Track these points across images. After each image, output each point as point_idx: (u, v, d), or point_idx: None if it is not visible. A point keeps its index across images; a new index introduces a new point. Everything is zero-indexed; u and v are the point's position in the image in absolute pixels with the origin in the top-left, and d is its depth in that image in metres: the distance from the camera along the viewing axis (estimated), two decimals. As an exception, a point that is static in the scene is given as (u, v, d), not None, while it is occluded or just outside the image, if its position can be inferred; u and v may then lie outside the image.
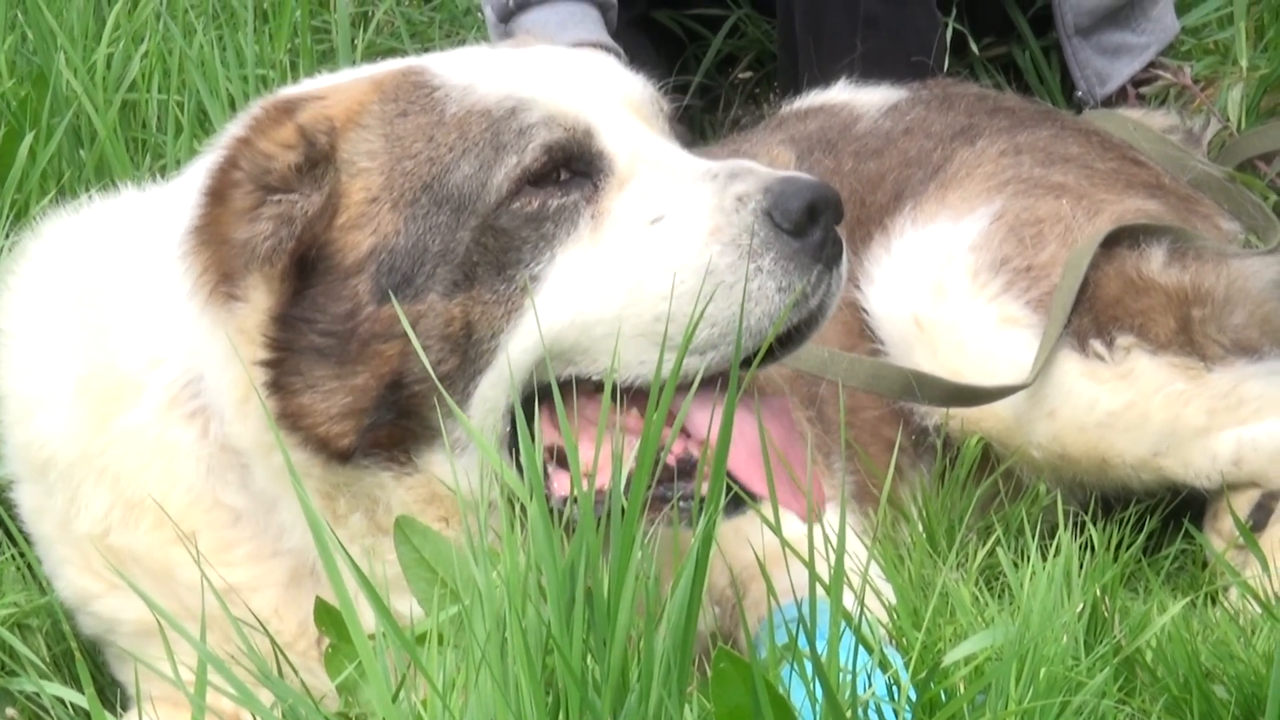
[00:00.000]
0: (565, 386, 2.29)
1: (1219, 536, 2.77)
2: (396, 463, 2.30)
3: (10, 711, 2.47)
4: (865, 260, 2.93)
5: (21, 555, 2.66)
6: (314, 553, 2.25)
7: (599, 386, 2.26)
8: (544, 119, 2.32)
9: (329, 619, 2.18)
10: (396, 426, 2.29)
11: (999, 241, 2.83)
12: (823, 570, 2.04)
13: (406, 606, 2.24)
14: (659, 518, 2.18)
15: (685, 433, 2.29)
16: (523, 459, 1.99)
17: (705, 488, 2.02)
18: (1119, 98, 3.79)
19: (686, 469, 2.26)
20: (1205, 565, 2.71)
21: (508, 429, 2.28)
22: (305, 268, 2.28)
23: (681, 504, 2.16)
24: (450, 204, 2.30)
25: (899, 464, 2.81)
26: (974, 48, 3.74)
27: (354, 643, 2.04)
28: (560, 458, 2.25)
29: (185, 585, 2.30)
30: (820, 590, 2.04)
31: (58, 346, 2.41)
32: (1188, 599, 2.46)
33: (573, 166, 2.33)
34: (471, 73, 2.40)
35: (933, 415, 2.85)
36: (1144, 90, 3.86)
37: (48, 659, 2.53)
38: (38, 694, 2.42)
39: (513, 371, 2.27)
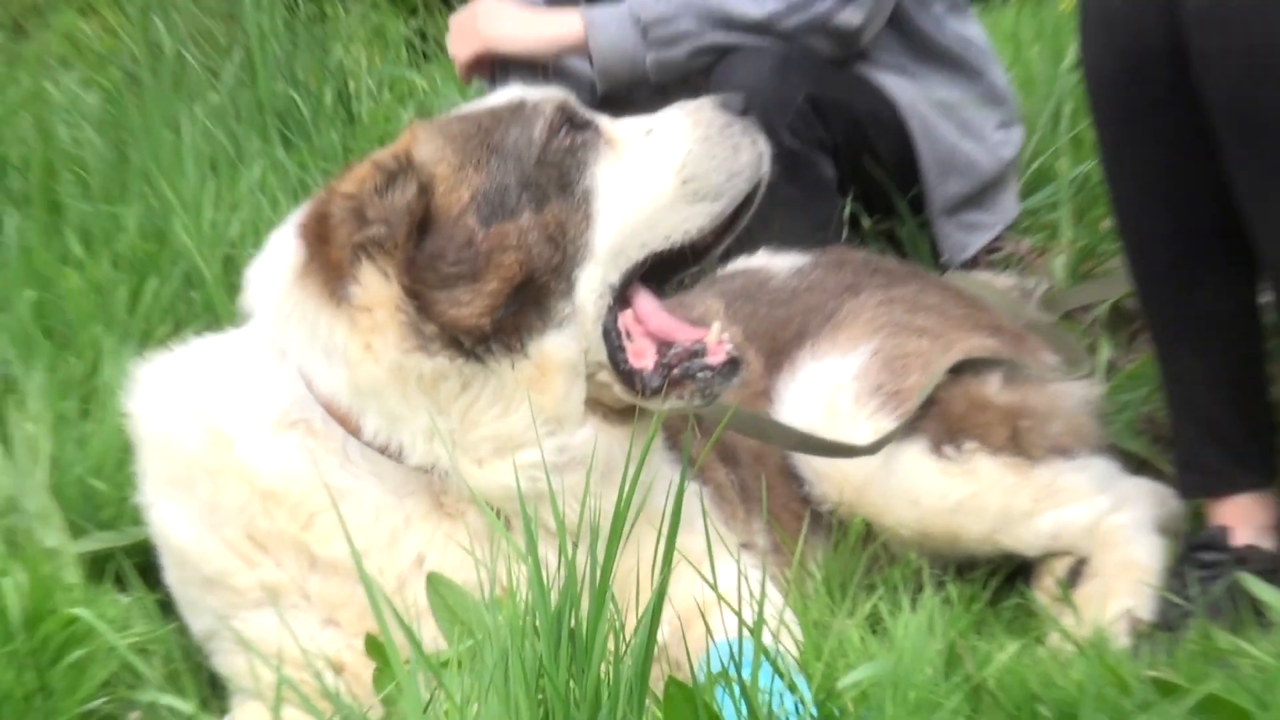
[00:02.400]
0: (642, 271, 2.47)
1: (1044, 593, 2.78)
2: (512, 350, 2.33)
3: (133, 715, 2.48)
4: (777, 384, 2.97)
5: (144, 597, 2.62)
6: (436, 470, 2.36)
7: (665, 260, 2.48)
8: (544, 99, 2.48)
9: (376, 649, 2.16)
10: (519, 315, 2.34)
11: (875, 372, 2.87)
12: (748, 615, 2.07)
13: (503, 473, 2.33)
14: (685, 391, 2.40)
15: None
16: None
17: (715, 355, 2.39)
18: (973, 263, 3.82)
19: (698, 352, 2.43)
20: (1033, 614, 2.72)
21: (606, 305, 2.39)
22: (422, 229, 2.35)
23: (700, 375, 2.41)
24: (512, 156, 2.40)
25: (794, 529, 2.87)
26: (865, 223, 3.77)
27: (394, 668, 2.07)
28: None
29: (318, 557, 2.37)
30: (745, 631, 2.08)
31: (183, 401, 2.49)
32: (1022, 641, 2.48)
33: (575, 123, 2.46)
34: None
35: (827, 502, 2.90)
36: (992, 257, 3.89)
37: (163, 676, 2.51)
38: (153, 704, 2.43)
39: (607, 249, 2.40)
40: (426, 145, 2.42)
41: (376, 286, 2.32)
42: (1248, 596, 2.44)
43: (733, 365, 2.41)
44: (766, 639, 2.07)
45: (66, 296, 3.71)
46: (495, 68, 3.82)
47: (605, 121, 2.51)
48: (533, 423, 2.31)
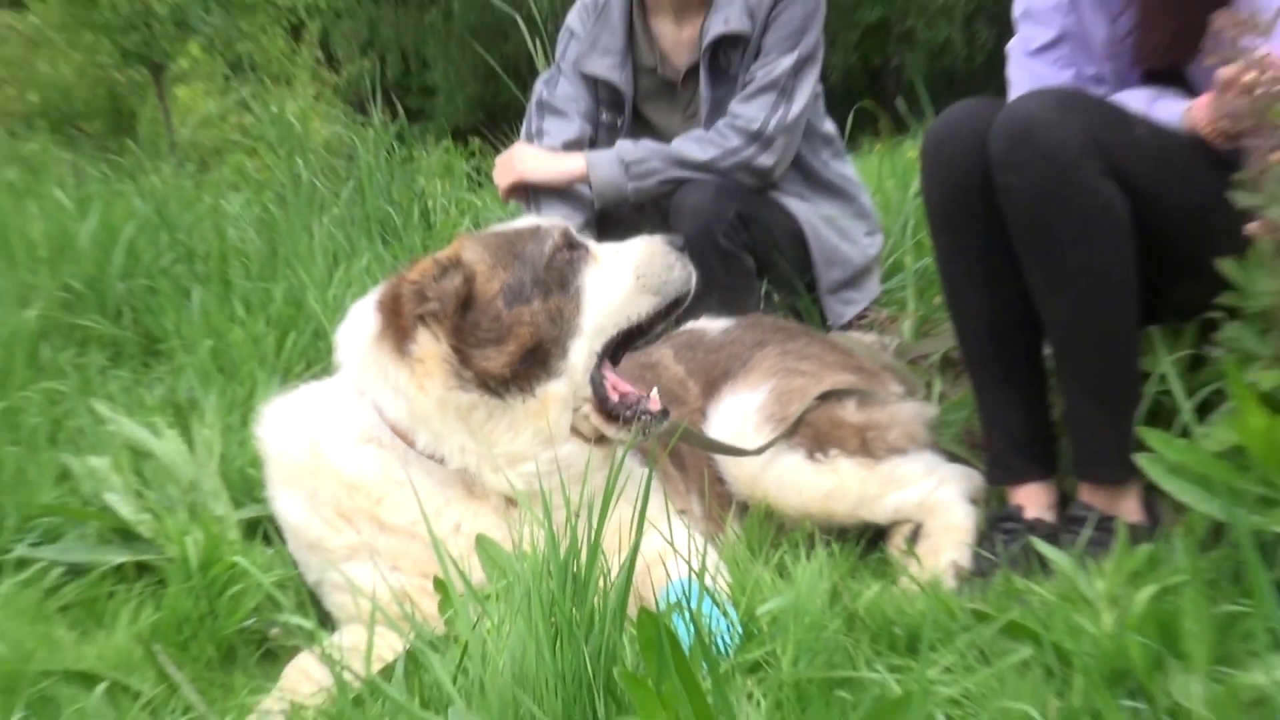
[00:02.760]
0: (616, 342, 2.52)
1: (895, 549, 2.76)
2: (524, 392, 2.37)
3: (274, 630, 2.47)
4: (709, 408, 2.98)
5: (282, 549, 2.62)
6: (463, 472, 2.40)
7: (629, 333, 2.53)
8: (553, 226, 2.52)
9: (440, 586, 2.14)
10: (529, 368, 2.37)
11: (770, 404, 2.87)
12: (693, 564, 2.09)
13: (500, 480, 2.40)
14: (628, 429, 2.43)
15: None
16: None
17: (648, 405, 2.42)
18: (849, 326, 3.82)
19: (636, 402, 2.46)
20: (889, 564, 2.70)
21: (594, 363, 2.44)
22: (464, 306, 2.38)
23: (643, 416, 2.45)
24: (529, 262, 2.42)
25: (726, 511, 2.86)
26: (775, 298, 3.76)
27: (453, 599, 2.04)
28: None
29: (386, 524, 2.38)
30: (692, 575, 2.06)
31: (293, 427, 2.53)
32: (882, 582, 2.45)
33: (571, 243, 2.48)
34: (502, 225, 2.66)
35: (740, 495, 2.92)
36: (862, 322, 3.89)
37: (294, 605, 2.49)
38: (286, 624, 2.42)
39: (591, 328, 2.44)
40: (470, 250, 2.45)
41: (429, 345, 2.36)
42: (1036, 554, 2.42)
43: (664, 414, 2.47)
44: (706, 580, 2.07)
45: (233, 344, 3.71)
46: (526, 192, 3.80)
47: (591, 243, 2.54)
48: (532, 443, 2.38)
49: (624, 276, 2.49)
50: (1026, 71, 2.95)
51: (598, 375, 2.44)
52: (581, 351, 2.41)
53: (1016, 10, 2.98)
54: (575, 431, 2.45)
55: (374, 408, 2.41)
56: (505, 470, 2.37)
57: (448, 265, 2.41)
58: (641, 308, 2.49)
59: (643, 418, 2.44)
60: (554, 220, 2.57)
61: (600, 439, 2.49)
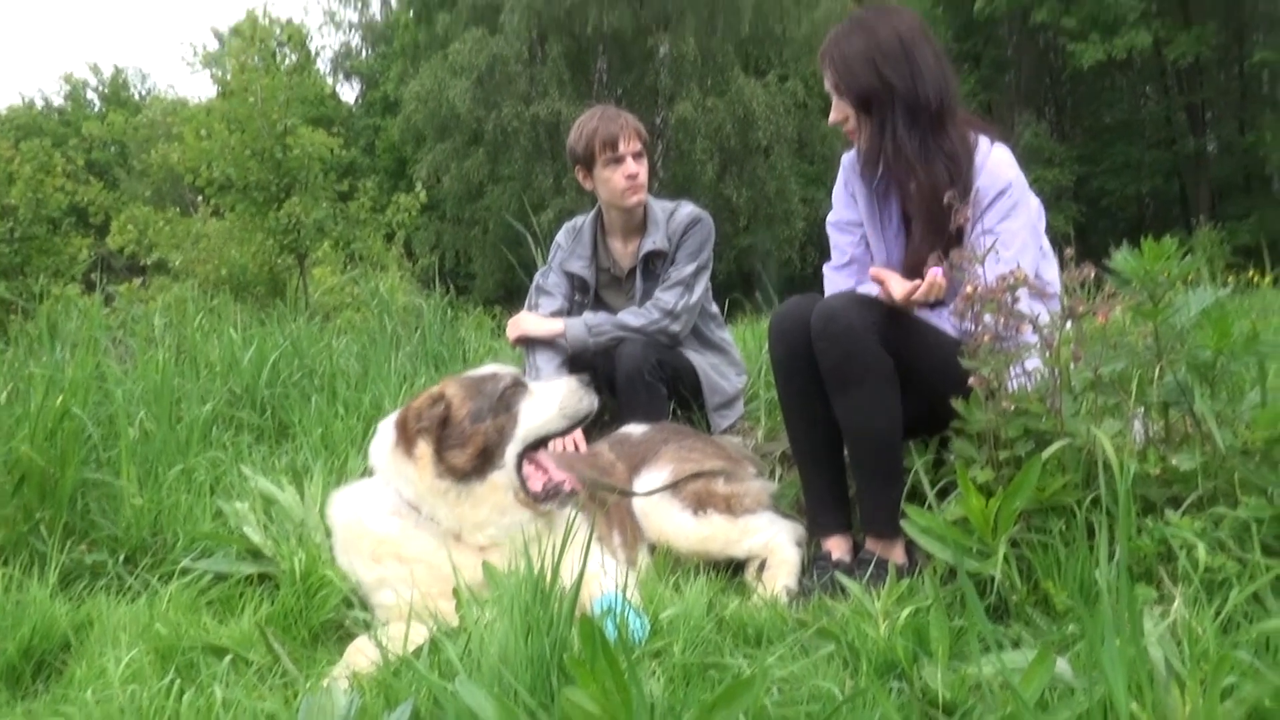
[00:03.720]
0: (537, 444, 2.38)
1: (749, 576, 2.67)
2: (480, 479, 2.27)
3: (348, 619, 2.35)
4: (633, 481, 2.87)
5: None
6: (451, 531, 2.28)
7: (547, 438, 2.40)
8: (507, 373, 2.41)
9: (457, 594, 2.05)
10: (482, 464, 2.27)
11: (673, 477, 2.82)
12: (617, 582, 1.98)
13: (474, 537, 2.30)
14: (553, 502, 2.32)
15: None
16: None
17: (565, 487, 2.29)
18: (724, 433, 3.75)
19: (558, 484, 2.34)
20: (745, 585, 2.61)
21: (516, 461, 2.32)
22: (443, 425, 2.28)
23: (561, 494, 2.33)
24: (487, 396, 2.31)
25: (639, 545, 2.75)
26: (680, 413, 3.71)
27: (463, 604, 1.94)
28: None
29: (405, 557, 2.26)
30: (616, 590, 1.97)
31: (348, 508, 2.42)
32: (740, 597, 2.38)
33: (517, 384, 2.37)
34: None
35: (651, 539, 2.77)
36: (732, 430, 3.83)
37: (359, 604, 2.38)
38: (355, 617, 2.31)
39: (520, 437, 2.33)
40: (450, 387, 2.35)
41: (424, 449, 2.27)
42: (838, 583, 2.35)
43: (574, 493, 2.36)
44: (625, 594, 1.98)
45: (335, 432, 3.58)
46: (526, 341, 3.75)
47: (531, 383, 2.44)
48: (490, 513, 2.29)
49: (550, 406, 2.38)
50: (832, 281, 2.98)
51: (519, 475, 2.32)
52: (513, 452, 2.31)
53: (828, 221, 3.02)
54: (523, 503, 2.34)
55: (395, 492, 2.32)
56: (475, 532, 2.27)
57: (436, 398, 2.32)
58: (558, 426, 2.39)
59: (561, 494, 2.34)
60: (508, 369, 2.48)
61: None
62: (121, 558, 2.68)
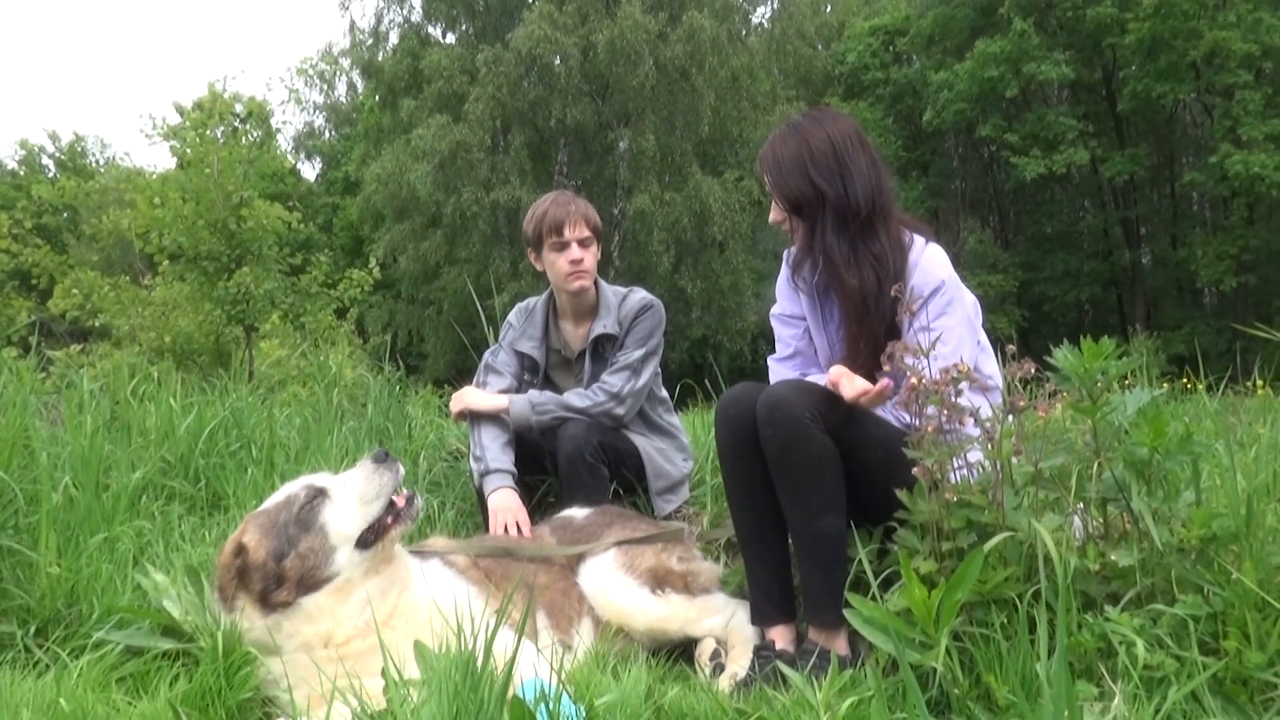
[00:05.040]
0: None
1: (701, 654, 2.65)
2: (314, 594, 2.23)
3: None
4: (579, 568, 2.82)
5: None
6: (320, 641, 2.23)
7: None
8: (303, 489, 2.34)
9: (385, 675, 1.96)
10: (308, 587, 2.23)
11: (621, 558, 2.78)
12: (540, 669, 1.91)
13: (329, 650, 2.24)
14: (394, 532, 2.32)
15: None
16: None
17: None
18: (669, 517, 3.70)
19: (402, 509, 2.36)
20: (693, 667, 2.56)
21: (357, 554, 2.31)
22: (242, 575, 2.28)
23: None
24: (283, 526, 2.26)
25: (583, 629, 2.68)
26: (624, 495, 3.67)
27: (392, 689, 1.86)
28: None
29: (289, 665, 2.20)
30: (548, 675, 1.90)
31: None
32: (680, 686, 2.32)
33: (314, 493, 2.32)
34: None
35: (603, 617, 2.72)
36: (676, 514, 3.78)
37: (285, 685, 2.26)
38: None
39: (341, 542, 2.29)
40: (249, 532, 2.29)
41: (244, 602, 2.26)
42: (781, 674, 2.30)
43: (411, 499, 2.40)
44: (548, 677, 1.91)
45: (270, 505, 3.49)
46: (470, 415, 3.69)
47: (330, 483, 2.37)
48: (347, 610, 2.25)
49: (350, 502, 2.31)
50: (776, 372, 3.03)
51: (363, 554, 2.28)
52: (345, 552, 2.27)
53: (772, 314, 3.06)
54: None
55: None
56: (336, 631, 2.21)
57: (236, 550, 2.27)
58: (373, 514, 2.31)
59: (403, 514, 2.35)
60: (302, 482, 2.39)
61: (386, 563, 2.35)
62: (33, 629, 2.56)
